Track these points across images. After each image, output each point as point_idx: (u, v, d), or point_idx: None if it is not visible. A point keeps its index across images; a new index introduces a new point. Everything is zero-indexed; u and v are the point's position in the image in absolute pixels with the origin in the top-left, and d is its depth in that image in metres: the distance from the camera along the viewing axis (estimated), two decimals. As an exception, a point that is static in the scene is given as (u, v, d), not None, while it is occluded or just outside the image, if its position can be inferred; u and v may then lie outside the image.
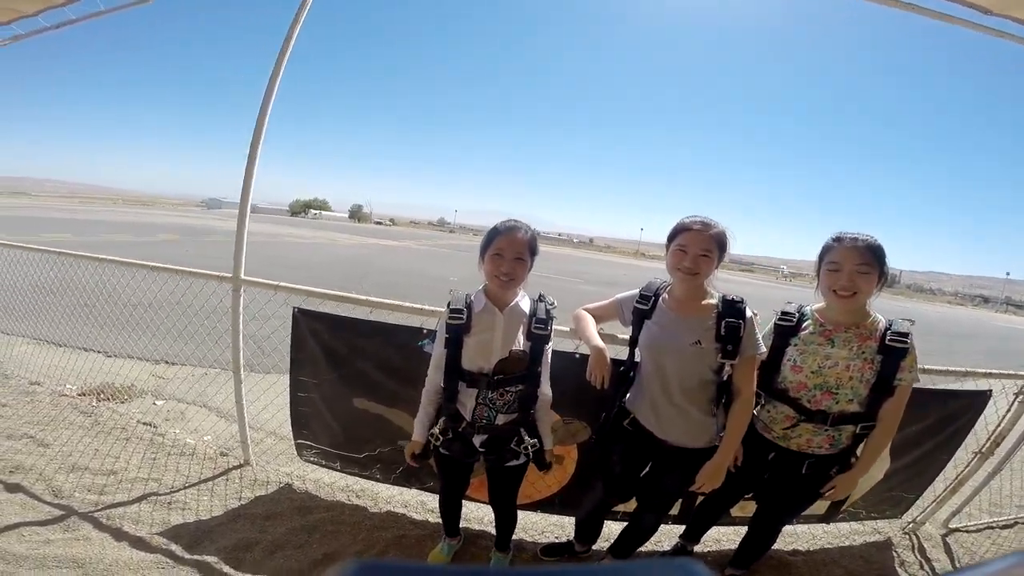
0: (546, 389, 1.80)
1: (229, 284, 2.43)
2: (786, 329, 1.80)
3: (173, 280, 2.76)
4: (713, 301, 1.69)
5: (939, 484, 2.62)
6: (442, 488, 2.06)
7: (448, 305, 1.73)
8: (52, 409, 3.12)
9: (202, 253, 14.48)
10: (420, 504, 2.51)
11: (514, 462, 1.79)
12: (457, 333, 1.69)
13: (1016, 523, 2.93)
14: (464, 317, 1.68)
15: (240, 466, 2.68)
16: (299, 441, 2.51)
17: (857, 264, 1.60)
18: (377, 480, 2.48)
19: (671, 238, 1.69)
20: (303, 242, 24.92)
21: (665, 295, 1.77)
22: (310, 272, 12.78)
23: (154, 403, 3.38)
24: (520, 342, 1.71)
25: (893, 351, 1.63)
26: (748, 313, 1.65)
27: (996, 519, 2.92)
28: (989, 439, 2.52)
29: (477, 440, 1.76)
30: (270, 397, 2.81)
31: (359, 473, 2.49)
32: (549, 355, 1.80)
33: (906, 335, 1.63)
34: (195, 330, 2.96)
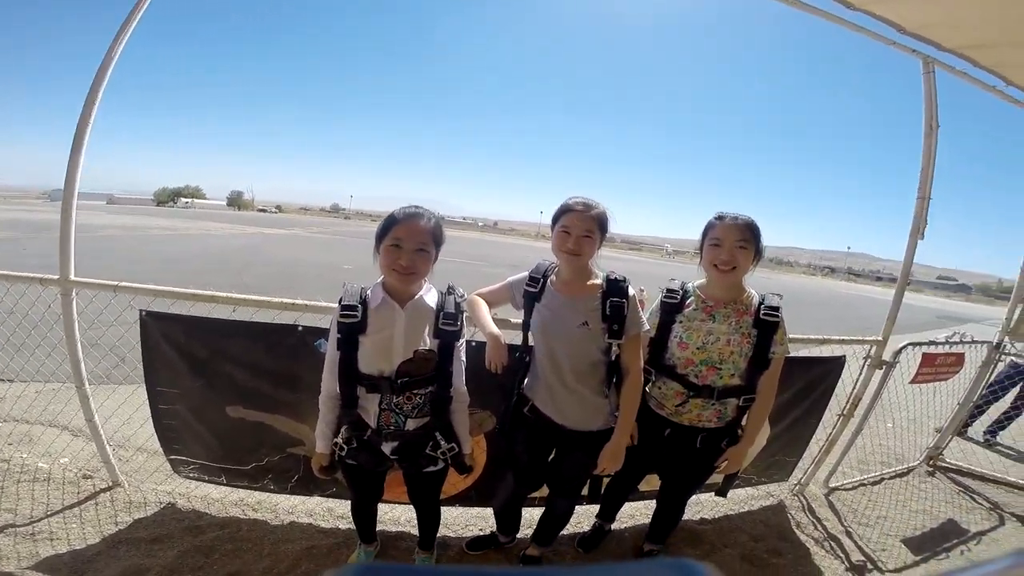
0: (461, 388, 1.68)
1: (56, 287, 2.09)
2: (671, 306, 1.86)
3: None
4: (598, 281, 1.70)
5: (814, 447, 2.92)
6: (353, 498, 1.91)
7: (339, 300, 1.55)
8: None
9: (45, 251, 12.23)
10: (327, 511, 2.34)
11: (432, 468, 1.69)
12: (351, 333, 1.53)
13: (882, 479, 3.35)
14: (359, 315, 1.52)
15: (109, 488, 2.34)
16: (172, 457, 2.24)
17: (737, 240, 1.72)
18: (272, 491, 2.27)
19: (555, 219, 1.70)
20: (173, 234, 21.83)
21: (553, 277, 1.77)
22: (182, 267, 11.23)
23: (-10, 427, 2.84)
24: (427, 340, 1.58)
25: (766, 325, 1.75)
26: (631, 291, 1.69)
27: (865, 476, 3.32)
28: (848, 401, 2.87)
29: (387, 447, 1.63)
30: (130, 409, 2.50)
31: (249, 485, 2.27)
32: (463, 351, 1.68)
33: (777, 309, 1.77)
34: (34, 340, 2.53)
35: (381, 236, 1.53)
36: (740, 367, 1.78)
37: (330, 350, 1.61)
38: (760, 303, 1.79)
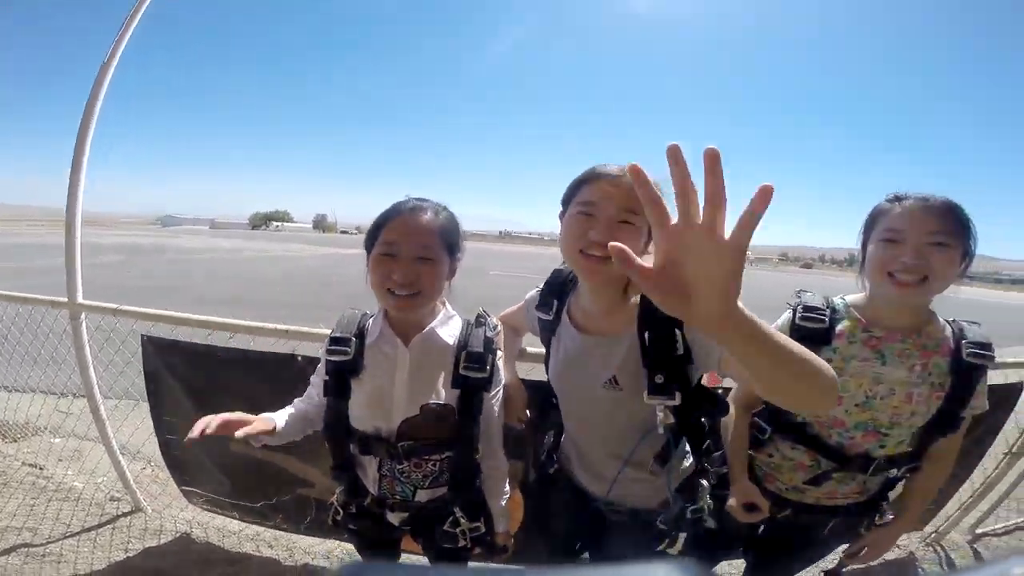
0: (499, 454, 1.25)
1: (65, 310, 2.06)
2: (812, 333, 1.15)
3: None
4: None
5: (965, 490, 2.24)
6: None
7: (332, 331, 1.17)
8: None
9: (146, 272, 13.54)
10: (348, 553, 2.07)
11: (451, 545, 1.25)
12: (341, 374, 1.13)
13: (1047, 520, 2.59)
14: (351, 350, 1.11)
15: (131, 512, 2.25)
16: (184, 488, 2.09)
17: (929, 233, 1.03)
18: (285, 530, 2.06)
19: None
20: (264, 256, 23.46)
21: (572, 298, 1.18)
22: (273, 288, 12.04)
23: (52, 441, 2.93)
24: (441, 392, 1.13)
25: (970, 371, 1.09)
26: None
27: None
28: (1021, 436, 2.15)
29: (394, 518, 1.23)
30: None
31: (262, 523, 2.06)
32: (497, 407, 1.21)
33: (988, 346, 1.10)
34: (106, 359, 2.52)
35: (371, 242, 1.09)
36: (916, 432, 1.15)
37: (315, 391, 1.22)
38: (959, 338, 1.11)
